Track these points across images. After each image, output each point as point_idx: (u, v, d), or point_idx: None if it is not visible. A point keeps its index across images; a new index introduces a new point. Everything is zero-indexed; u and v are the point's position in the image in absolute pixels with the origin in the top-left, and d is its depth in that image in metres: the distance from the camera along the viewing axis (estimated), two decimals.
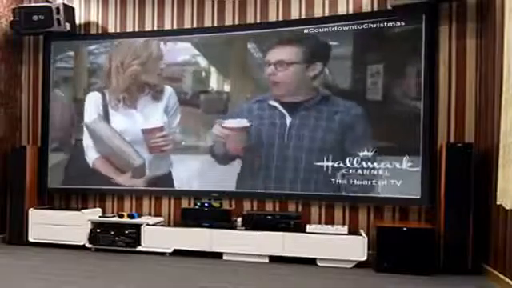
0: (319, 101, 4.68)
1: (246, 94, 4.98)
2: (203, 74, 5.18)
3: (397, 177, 4.44)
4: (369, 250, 4.29)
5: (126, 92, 5.28)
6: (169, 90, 5.20)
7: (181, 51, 5.21)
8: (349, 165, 4.57)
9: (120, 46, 5.36)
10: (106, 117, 5.34)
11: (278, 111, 4.81)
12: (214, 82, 5.16)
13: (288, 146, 4.76)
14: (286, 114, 4.78)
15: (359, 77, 4.60)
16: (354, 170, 4.56)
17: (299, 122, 4.73)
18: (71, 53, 5.54)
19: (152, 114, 5.21)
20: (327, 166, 4.63)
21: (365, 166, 4.52)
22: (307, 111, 4.71)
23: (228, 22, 5.08)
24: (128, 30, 5.41)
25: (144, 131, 5.21)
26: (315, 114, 4.69)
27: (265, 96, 4.88)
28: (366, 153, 4.52)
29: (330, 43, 4.72)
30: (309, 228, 4.53)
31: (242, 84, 5.04)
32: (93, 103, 5.40)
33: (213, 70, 5.16)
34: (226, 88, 5.12)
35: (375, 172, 4.50)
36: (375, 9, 4.63)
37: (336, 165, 4.60)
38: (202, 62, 5.17)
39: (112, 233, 4.95)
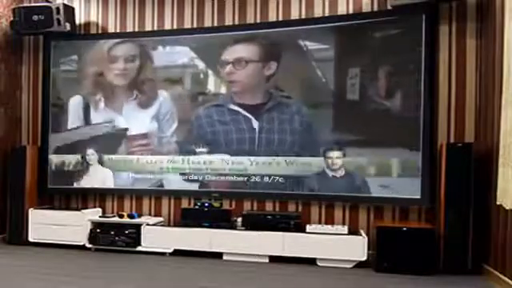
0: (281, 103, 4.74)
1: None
2: (201, 76, 5.17)
3: (397, 176, 4.44)
4: (369, 249, 4.29)
5: (110, 95, 5.32)
6: (163, 95, 5.19)
7: (180, 53, 5.21)
8: (341, 165, 4.58)
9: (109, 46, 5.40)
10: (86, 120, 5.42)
11: (242, 115, 4.83)
12: (211, 84, 5.16)
13: (259, 150, 4.79)
14: (252, 117, 4.81)
15: (357, 77, 4.60)
16: (347, 169, 4.57)
17: (267, 126, 4.77)
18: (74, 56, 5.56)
19: (138, 120, 5.24)
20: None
21: (364, 165, 4.53)
22: (271, 113, 4.75)
23: (228, 21, 5.08)
24: (128, 30, 5.41)
25: (129, 138, 5.26)
26: (284, 116, 4.73)
27: (222, 100, 4.94)
28: (363, 152, 4.53)
29: (327, 44, 4.73)
30: (309, 228, 4.53)
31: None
32: (76, 107, 5.45)
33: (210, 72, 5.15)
34: (223, 90, 5.11)
35: (375, 172, 4.51)
36: (375, 9, 4.63)
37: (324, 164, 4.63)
38: (200, 64, 5.16)
39: (112, 233, 4.95)
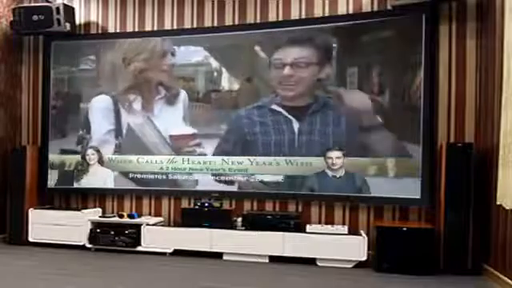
0: (324, 104, 4.66)
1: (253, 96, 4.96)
2: (215, 74, 5.14)
3: (397, 176, 4.44)
4: (369, 250, 4.29)
5: (139, 93, 5.26)
6: (183, 93, 5.14)
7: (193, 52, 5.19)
8: (355, 164, 4.59)
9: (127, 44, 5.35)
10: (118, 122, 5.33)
11: (283, 116, 4.78)
12: (225, 82, 5.13)
13: (300, 152, 4.72)
14: (293, 119, 4.75)
15: (361, 77, 4.59)
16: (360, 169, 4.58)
17: (308, 128, 4.70)
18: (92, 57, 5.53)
19: (172, 120, 5.16)
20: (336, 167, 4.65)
21: (364, 165, 4.53)
22: (314, 115, 4.68)
23: (228, 21, 5.08)
24: (128, 30, 5.41)
25: (173, 137, 5.16)
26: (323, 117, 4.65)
27: (265, 101, 4.85)
28: (363, 152, 4.54)
29: (333, 44, 4.72)
30: (309, 228, 4.53)
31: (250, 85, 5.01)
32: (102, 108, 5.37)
33: (223, 70, 5.13)
34: (236, 88, 5.08)
35: (375, 172, 4.50)
36: (375, 9, 4.63)
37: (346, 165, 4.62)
38: (213, 63, 5.14)
39: (112, 233, 4.95)
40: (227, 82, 5.11)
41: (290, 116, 4.74)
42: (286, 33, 4.83)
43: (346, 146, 4.59)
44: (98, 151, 5.37)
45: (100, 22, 5.53)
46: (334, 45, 4.71)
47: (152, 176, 5.20)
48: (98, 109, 5.40)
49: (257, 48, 4.91)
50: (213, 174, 5.01)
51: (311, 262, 4.41)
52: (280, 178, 4.78)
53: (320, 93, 4.69)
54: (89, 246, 5.02)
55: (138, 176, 5.24)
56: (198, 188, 5.06)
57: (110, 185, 5.33)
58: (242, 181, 4.91)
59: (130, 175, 5.27)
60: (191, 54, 5.20)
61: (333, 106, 4.64)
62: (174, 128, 5.17)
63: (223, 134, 5.00)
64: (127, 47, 5.32)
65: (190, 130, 5.12)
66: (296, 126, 4.72)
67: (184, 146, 5.12)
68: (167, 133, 5.17)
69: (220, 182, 4.99)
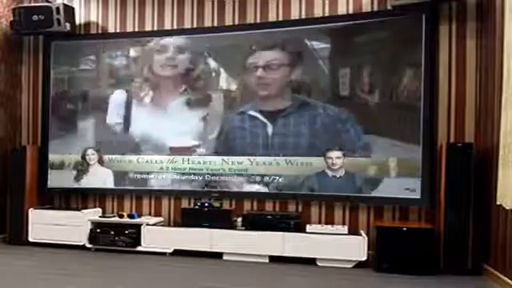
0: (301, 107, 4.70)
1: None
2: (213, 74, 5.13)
3: (396, 176, 4.43)
4: (369, 250, 4.29)
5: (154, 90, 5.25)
6: (216, 96, 5.06)
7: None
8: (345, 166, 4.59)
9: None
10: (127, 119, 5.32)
11: (259, 121, 4.81)
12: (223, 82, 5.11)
13: (271, 154, 4.79)
14: (268, 123, 4.79)
15: (356, 78, 4.59)
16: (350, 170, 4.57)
17: (280, 131, 4.75)
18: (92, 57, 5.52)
19: (184, 123, 5.13)
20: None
21: (364, 166, 4.53)
22: (287, 118, 4.73)
23: (228, 21, 5.08)
24: (128, 30, 5.42)
25: (172, 149, 5.15)
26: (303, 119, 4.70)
27: (246, 106, 4.89)
28: (362, 154, 4.53)
29: (325, 45, 4.73)
30: (309, 228, 4.53)
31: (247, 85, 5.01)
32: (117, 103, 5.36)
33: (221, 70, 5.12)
34: (233, 87, 5.07)
35: (375, 172, 4.50)
36: (375, 9, 4.63)
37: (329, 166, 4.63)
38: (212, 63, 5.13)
39: (112, 233, 4.95)
40: (225, 82, 5.10)
41: (265, 120, 4.80)
42: (281, 34, 4.84)
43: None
44: (97, 151, 5.37)
45: (100, 22, 5.53)
46: (323, 46, 4.75)
47: (152, 176, 5.21)
48: (112, 105, 5.39)
49: (254, 48, 4.91)
50: (213, 175, 5.01)
51: (311, 261, 4.41)
52: (281, 179, 4.79)
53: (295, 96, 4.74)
54: (89, 246, 5.03)
55: (138, 176, 5.25)
56: (198, 188, 5.07)
57: (110, 185, 5.34)
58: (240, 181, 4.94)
59: (130, 175, 5.27)
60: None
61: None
62: (174, 138, 5.14)
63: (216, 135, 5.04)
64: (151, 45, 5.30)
65: (190, 142, 5.09)
66: (270, 129, 4.79)
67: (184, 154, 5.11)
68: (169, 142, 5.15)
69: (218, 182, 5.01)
